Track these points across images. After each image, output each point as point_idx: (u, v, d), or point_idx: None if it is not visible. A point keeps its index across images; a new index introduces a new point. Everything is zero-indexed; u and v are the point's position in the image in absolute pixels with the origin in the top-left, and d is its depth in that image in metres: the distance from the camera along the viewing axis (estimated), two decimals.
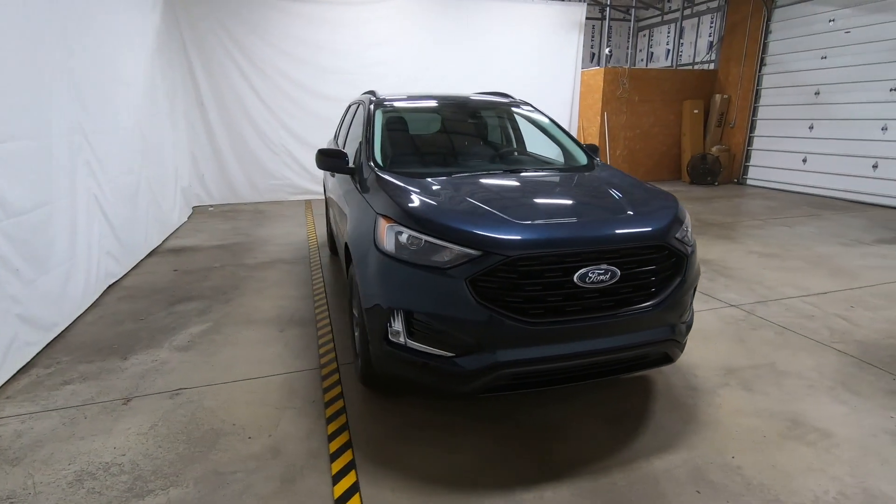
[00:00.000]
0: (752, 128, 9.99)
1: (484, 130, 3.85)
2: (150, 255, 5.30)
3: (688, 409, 2.55)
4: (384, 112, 3.39)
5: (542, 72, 9.39)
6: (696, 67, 11.15)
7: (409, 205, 2.26)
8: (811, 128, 8.83)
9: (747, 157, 10.15)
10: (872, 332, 3.41)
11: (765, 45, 9.57)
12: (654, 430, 2.37)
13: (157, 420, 2.46)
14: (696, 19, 11.12)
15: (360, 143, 3.13)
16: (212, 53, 7.68)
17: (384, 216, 2.26)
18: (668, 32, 11.88)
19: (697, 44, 11.17)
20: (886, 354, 3.09)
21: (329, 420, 2.45)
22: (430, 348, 2.08)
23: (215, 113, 7.93)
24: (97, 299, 4.03)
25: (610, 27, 12.17)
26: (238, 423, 2.43)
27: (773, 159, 9.62)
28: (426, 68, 8.79)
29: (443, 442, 2.30)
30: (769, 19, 9.45)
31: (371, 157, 2.94)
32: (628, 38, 12.84)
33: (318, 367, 2.97)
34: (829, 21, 8.37)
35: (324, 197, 5.64)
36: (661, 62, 12.17)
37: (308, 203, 8.32)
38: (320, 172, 8.50)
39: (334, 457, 2.19)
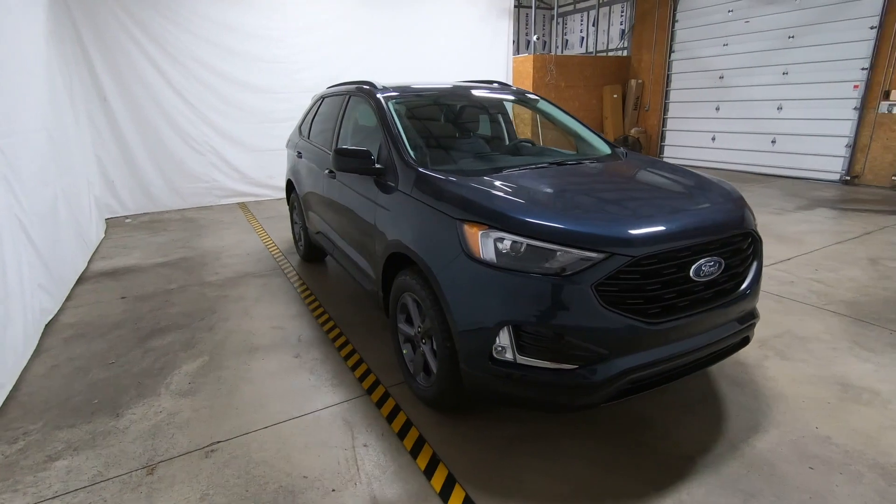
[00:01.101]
0: (666, 110, 10.82)
1: (502, 122, 3.67)
2: (79, 281, 4.43)
3: (749, 385, 2.65)
4: (397, 104, 3.08)
5: (477, 59, 9.32)
6: (610, 54, 11.80)
7: (504, 207, 2.04)
8: (717, 109, 9.76)
9: (662, 138, 11.00)
10: (846, 291, 3.82)
11: (673, 34, 10.37)
12: (734, 412, 2.43)
13: (206, 488, 2.02)
14: (607, 8, 11.73)
15: (384, 140, 2.81)
16: (110, 37, 6.54)
17: (470, 222, 2.02)
18: (582, 20, 12.42)
19: (610, 32, 11.81)
20: (871, 311, 3.48)
21: (414, 453, 2.19)
22: (546, 363, 1.91)
23: (122, 109, 6.82)
24: (37, 344, 3.27)
25: (527, 15, 12.46)
26: (310, 475, 2.08)
27: (686, 139, 10.52)
28: (360, 56, 8.31)
29: (547, 454, 2.16)
30: (675, 9, 10.23)
31: (406, 155, 2.64)
32: (542, 25, 13.24)
33: (365, 394, 2.65)
34: (729, 11, 9.26)
35: (286, 198, 5.12)
36: (576, 49, 12.72)
37: (243, 206, 7.54)
38: (253, 172, 7.79)
39: (445, 496, 1.95)
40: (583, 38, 12.49)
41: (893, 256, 4.57)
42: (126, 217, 6.94)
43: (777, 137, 8.87)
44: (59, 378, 2.89)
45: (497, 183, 2.33)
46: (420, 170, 2.50)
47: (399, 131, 2.79)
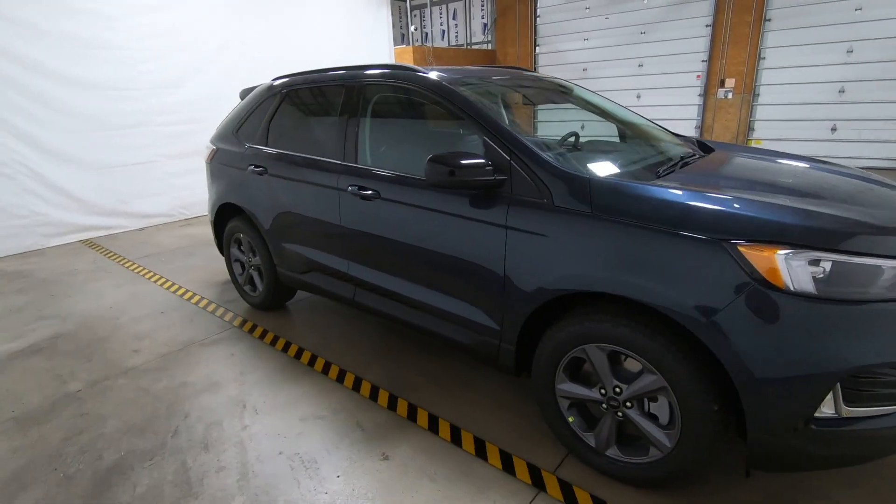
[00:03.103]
0: None
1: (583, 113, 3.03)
2: None
3: None
4: (474, 93, 2.31)
5: (359, 48, 8.42)
6: (474, 48, 11.88)
7: (806, 217, 1.55)
8: None
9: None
10: None
11: (536, 28, 10.83)
12: None
13: None
14: (468, 1, 11.75)
15: (492, 141, 2.04)
16: None
17: (754, 241, 1.49)
18: (441, 14, 12.25)
19: (471, 25, 11.88)
20: None
21: None
22: (885, 408, 1.50)
23: None
24: None
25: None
26: None
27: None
28: (224, 45, 6.76)
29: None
30: (536, 4, 10.69)
31: (547, 158, 1.95)
32: (399, 17, 12.74)
33: (537, 490, 1.91)
34: (586, 8, 9.99)
35: (215, 229, 3.76)
36: (438, 42, 12.54)
37: (92, 244, 5.51)
38: (98, 197, 5.82)
39: None
40: (444, 31, 12.36)
41: None
42: None
43: None
44: None
45: (722, 185, 1.83)
46: (594, 177, 1.85)
47: (509, 127, 2.07)
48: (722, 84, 8.86)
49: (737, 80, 8.69)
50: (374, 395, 2.56)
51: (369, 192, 2.44)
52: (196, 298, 3.89)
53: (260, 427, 2.35)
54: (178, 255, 5.00)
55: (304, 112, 3.10)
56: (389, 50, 9.04)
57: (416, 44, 11.03)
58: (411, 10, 12.18)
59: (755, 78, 8.55)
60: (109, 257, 5.04)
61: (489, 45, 11.65)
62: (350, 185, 2.54)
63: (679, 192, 1.72)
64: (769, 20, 8.21)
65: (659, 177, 2.03)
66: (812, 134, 8.19)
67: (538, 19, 10.75)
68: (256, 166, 3.13)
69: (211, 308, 3.70)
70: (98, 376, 2.84)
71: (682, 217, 1.62)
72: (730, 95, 8.83)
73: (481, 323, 2.16)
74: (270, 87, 3.23)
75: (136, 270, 4.61)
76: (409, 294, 2.45)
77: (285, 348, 3.07)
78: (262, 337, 3.23)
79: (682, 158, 2.35)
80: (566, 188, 1.85)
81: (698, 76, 9.07)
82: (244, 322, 3.44)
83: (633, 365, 1.83)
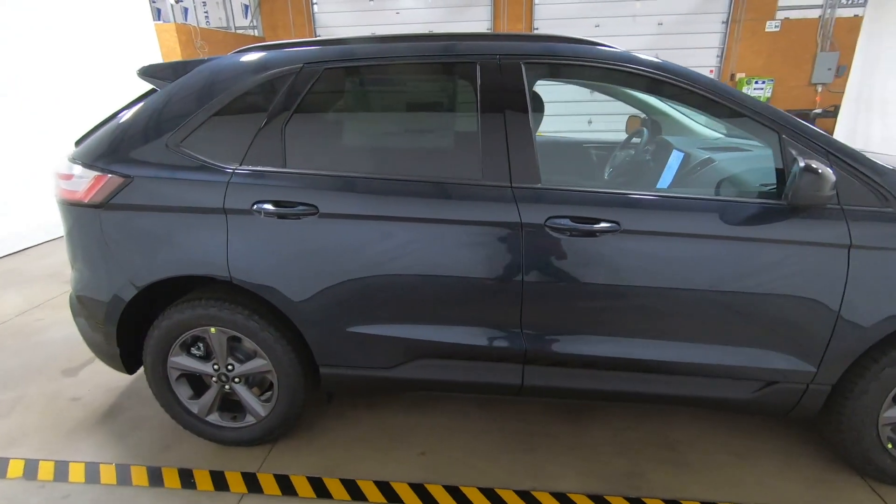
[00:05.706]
0: None
1: None
2: None
3: None
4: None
5: (110, 27, 5.90)
6: (238, 32, 9.95)
7: None
8: None
9: None
10: None
11: (313, 17, 9.74)
12: None
13: None
14: None
15: (793, 142, 1.58)
16: None
17: None
18: None
19: (230, 6, 9.88)
20: None
21: None
22: None
23: None
24: None
25: None
26: None
27: None
28: None
29: None
30: None
31: (866, 156, 1.63)
32: None
33: None
34: (370, 0, 9.51)
35: (119, 329, 1.98)
36: (177, 20, 9.98)
37: None
38: None
39: None
40: (185, 9, 9.88)
41: None
42: None
43: None
44: None
45: None
46: None
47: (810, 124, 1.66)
48: None
49: None
50: None
51: (600, 225, 1.62)
52: (77, 469, 1.99)
53: None
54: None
55: (370, 107, 1.87)
56: (150, 26, 6.66)
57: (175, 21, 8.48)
58: None
59: None
60: None
61: (255, 30, 9.94)
62: (551, 218, 1.64)
63: None
64: (537, 28, 9.47)
65: None
66: (576, 126, 9.93)
67: (315, 6, 9.69)
68: (281, 204, 1.73)
69: (138, 478, 1.95)
70: None
71: None
72: None
73: (782, 368, 1.71)
74: (278, 62, 1.81)
75: None
76: (651, 357, 1.75)
77: (392, 498, 1.85)
78: (322, 495, 1.87)
79: None
80: None
81: None
82: (250, 479, 1.94)
83: None
